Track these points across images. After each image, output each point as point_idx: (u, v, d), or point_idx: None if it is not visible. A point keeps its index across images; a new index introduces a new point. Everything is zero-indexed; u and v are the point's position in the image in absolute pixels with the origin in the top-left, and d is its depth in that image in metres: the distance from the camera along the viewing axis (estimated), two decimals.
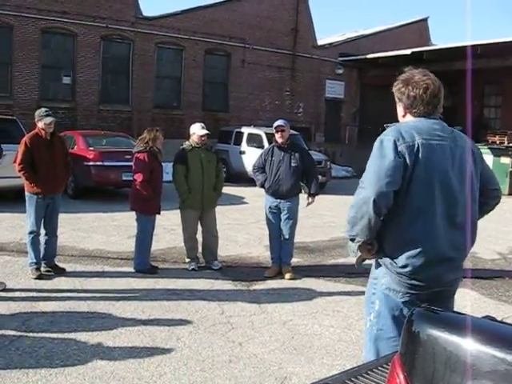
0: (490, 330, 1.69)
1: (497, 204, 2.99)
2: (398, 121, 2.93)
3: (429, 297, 2.62)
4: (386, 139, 2.65)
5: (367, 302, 2.91)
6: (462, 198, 2.69)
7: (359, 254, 2.83)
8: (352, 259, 2.98)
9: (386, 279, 2.75)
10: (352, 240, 2.79)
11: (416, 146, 2.60)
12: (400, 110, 2.88)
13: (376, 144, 2.71)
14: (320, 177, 7.69)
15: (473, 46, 17.76)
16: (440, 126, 2.75)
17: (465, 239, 2.74)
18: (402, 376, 1.72)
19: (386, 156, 2.61)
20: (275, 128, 6.77)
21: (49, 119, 6.31)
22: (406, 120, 2.83)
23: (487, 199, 2.90)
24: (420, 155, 2.60)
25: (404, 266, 2.66)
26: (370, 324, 2.86)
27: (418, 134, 2.63)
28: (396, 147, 2.59)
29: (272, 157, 6.78)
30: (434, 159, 2.63)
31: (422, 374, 1.68)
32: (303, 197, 6.94)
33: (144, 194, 6.64)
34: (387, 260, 2.73)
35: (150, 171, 6.69)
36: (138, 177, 6.68)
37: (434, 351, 1.63)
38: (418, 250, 2.62)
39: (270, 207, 6.84)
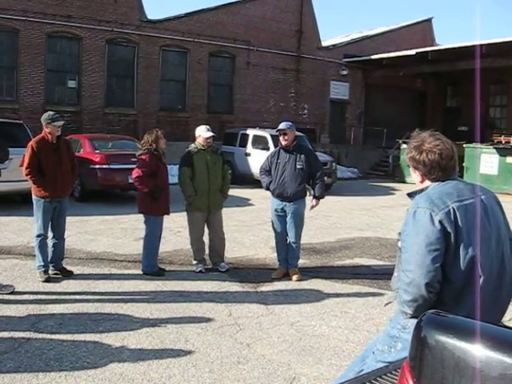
0: (498, 335, 1.69)
1: None
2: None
3: None
4: (420, 211, 2.53)
5: (388, 337, 2.75)
6: (501, 254, 2.57)
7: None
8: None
9: None
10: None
11: (451, 210, 2.49)
12: (416, 175, 2.77)
13: (409, 218, 2.58)
14: (325, 178, 7.66)
15: (478, 45, 17.72)
16: (463, 185, 2.68)
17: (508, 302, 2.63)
18: (411, 382, 1.72)
19: (424, 230, 2.49)
20: (278, 131, 6.75)
21: (60, 122, 6.35)
22: (426, 184, 2.73)
23: None
24: (458, 219, 2.49)
25: None
26: (381, 350, 2.73)
27: (450, 199, 2.54)
28: (432, 218, 2.48)
29: (278, 159, 6.77)
30: (471, 219, 2.51)
31: (430, 380, 1.66)
32: (309, 199, 6.94)
33: (145, 191, 6.64)
34: None
35: (155, 172, 6.68)
36: (136, 172, 6.67)
37: (442, 357, 1.62)
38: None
39: (275, 209, 6.83)
